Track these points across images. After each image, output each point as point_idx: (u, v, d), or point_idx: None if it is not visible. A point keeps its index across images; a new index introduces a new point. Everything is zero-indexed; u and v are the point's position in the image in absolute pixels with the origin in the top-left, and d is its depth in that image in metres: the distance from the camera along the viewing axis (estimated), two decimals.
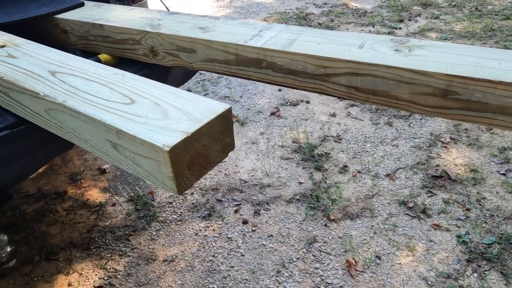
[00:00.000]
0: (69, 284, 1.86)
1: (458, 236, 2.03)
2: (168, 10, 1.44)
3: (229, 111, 0.72)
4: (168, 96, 0.77)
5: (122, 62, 1.29)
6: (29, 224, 2.18)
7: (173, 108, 0.73)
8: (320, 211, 2.22)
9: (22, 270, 1.94)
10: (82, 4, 1.40)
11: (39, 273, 1.92)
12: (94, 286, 1.86)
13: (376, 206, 2.25)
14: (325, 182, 2.42)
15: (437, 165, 2.50)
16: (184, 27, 1.14)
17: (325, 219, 2.17)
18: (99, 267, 1.94)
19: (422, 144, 2.71)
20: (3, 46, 1.06)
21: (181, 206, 2.29)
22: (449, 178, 2.40)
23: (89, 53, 1.31)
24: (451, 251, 1.96)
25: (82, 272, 1.92)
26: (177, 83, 1.54)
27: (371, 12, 5.02)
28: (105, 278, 1.89)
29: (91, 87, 0.82)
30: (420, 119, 2.99)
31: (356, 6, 5.31)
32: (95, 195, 2.38)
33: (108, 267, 1.94)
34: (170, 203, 2.31)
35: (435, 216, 2.16)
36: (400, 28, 4.50)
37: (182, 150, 0.64)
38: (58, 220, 2.21)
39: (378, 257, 1.95)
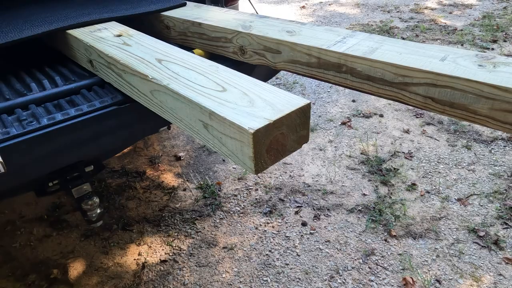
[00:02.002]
0: (139, 254, 2.07)
1: None
2: (257, 13, 1.56)
3: (308, 106, 0.80)
4: (255, 88, 0.87)
5: (212, 58, 1.43)
6: (111, 196, 2.45)
7: (259, 98, 0.82)
8: (381, 225, 2.19)
9: (102, 235, 2.19)
10: (184, 4, 1.58)
11: (115, 240, 2.15)
12: (160, 259, 2.04)
13: (443, 229, 2.16)
14: (390, 197, 2.38)
15: None
16: (273, 29, 1.24)
17: (385, 234, 2.14)
18: (166, 243, 2.12)
19: (503, 173, 2.53)
20: (119, 35, 1.25)
21: (245, 200, 2.40)
22: None
23: (185, 48, 1.47)
24: None
25: (151, 245, 2.12)
26: None
27: (461, 30, 4.77)
28: (170, 254, 2.06)
29: (190, 75, 0.95)
30: (504, 146, 2.79)
31: (445, 23, 5.07)
32: (169, 178, 2.60)
33: (174, 245, 2.11)
34: (235, 195, 2.44)
35: (509, 250, 2.02)
36: (492, 49, 4.21)
37: (264, 134, 0.73)
38: (135, 196, 2.45)
39: (438, 281, 1.88)
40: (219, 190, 2.48)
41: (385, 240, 2.11)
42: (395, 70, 0.96)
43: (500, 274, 1.90)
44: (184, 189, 2.50)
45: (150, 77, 0.95)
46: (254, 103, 0.80)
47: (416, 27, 4.98)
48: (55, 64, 1.42)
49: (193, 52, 1.43)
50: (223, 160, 2.77)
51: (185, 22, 1.43)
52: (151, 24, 1.59)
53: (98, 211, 1.50)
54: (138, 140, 2.11)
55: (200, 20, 1.38)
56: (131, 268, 2.00)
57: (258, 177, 2.59)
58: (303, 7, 6.08)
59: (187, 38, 1.46)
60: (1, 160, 0.91)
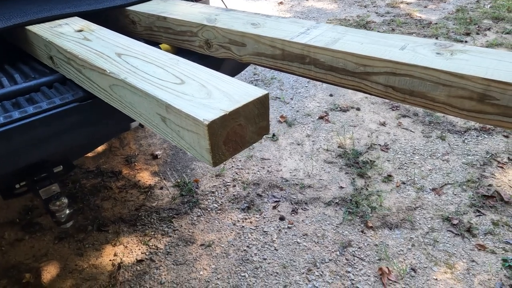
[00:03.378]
0: (115, 255, 2.03)
1: (504, 260, 1.92)
2: (226, 7, 1.55)
3: (266, 96, 0.79)
4: (214, 79, 0.86)
5: (179, 53, 1.41)
6: (86, 197, 2.40)
7: (217, 90, 0.81)
8: (358, 217, 2.21)
9: (76, 237, 2.15)
10: None
11: (90, 241, 2.11)
12: (136, 259, 2.01)
13: (418, 219, 2.19)
14: (367, 189, 2.40)
15: (490, 185, 2.38)
16: (238, 22, 1.22)
17: (362, 225, 2.16)
18: (142, 242, 2.09)
19: (476, 162, 2.59)
20: (81, 30, 1.22)
21: (223, 197, 2.39)
22: (501, 200, 2.28)
23: (152, 43, 1.45)
24: (495, 274, 1.87)
25: (127, 246, 2.08)
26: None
27: (435, 24, 4.85)
28: (147, 253, 2.04)
29: (149, 68, 0.93)
30: (477, 136, 2.86)
31: (420, 17, 5.15)
32: (145, 177, 2.56)
33: (151, 244, 2.08)
34: (213, 192, 2.43)
35: (481, 237, 2.06)
36: (465, 42, 4.30)
37: (220, 126, 0.72)
38: (111, 196, 2.41)
39: (414, 270, 1.91)
40: (196, 188, 2.46)
41: (362, 231, 2.13)
42: (356, 60, 0.96)
43: (473, 261, 1.94)
44: (161, 188, 2.47)
45: (108, 71, 0.93)
46: (211, 95, 0.79)
47: (392, 21, 5.03)
48: (16, 62, 1.38)
49: (160, 47, 1.41)
50: None
51: (150, 17, 1.40)
52: (116, 19, 1.55)
53: (67, 211, 1.47)
54: (109, 138, 2.07)
55: (165, 14, 1.36)
56: (106, 269, 1.96)
57: (236, 173, 2.58)
58: (281, 3, 6.08)
59: (153, 33, 1.44)
60: None
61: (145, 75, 0.89)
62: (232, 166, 2.65)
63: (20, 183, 1.43)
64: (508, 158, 2.60)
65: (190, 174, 2.58)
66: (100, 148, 2.84)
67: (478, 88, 0.81)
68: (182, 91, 0.81)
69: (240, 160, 2.70)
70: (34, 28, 1.25)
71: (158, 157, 2.76)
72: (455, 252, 1.99)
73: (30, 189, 1.46)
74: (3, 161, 1.03)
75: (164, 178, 2.56)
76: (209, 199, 2.38)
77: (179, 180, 2.52)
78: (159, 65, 0.94)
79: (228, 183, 2.50)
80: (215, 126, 0.71)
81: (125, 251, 2.05)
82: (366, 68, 0.96)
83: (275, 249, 2.05)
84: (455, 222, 2.15)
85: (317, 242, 2.08)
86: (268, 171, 2.59)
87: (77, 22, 1.31)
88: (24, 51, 1.44)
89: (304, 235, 2.12)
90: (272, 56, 1.13)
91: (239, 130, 0.77)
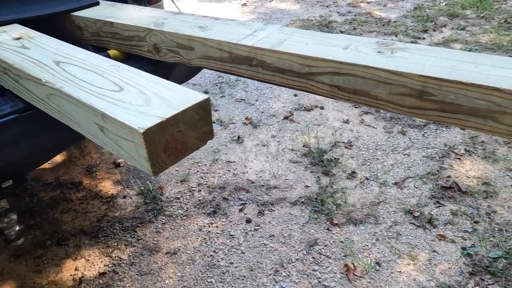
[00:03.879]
0: (76, 269, 1.96)
1: (463, 248, 1.99)
2: (179, 10, 1.52)
3: (207, 101, 0.77)
4: (154, 86, 0.83)
5: (130, 58, 1.37)
6: (44, 210, 2.30)
7: (156, 96, 0.79)
8: (324, 215, 2.23)
9: (34, 253, 2.05)
10: (97, 3, 1.50)
11: (49, 257, 2.02)
12: (99, 272, 1.94)
13: (381, 213, 2.23)
14: (332, 187, 2.43)
15: (448, 176, 2.46)
16: (185, 26, 1.20)
17: (328, 223, 2.18)
18: (105, 254, 2.03)
19: (435, 155, 2.67)
20: (19, 38, 1.16)
21: (188, 202, 2.35)
22: (459, 190, 2.36)
23: (101, 49, 1.40)
24: (455, 262, 1.93)
25: (89, 259, 2.01)
26: (179, 81, 1.61)
27: (395, 22, 4.99)
28: (110, 265, 1.97)
29: (87, 76, 0.89)
30: (436, 129, 2.95)
31: (380, 15, 5.28)
32: (108, 187, 2.49)
33: (114, 255, 2.02)
34: (178, 198, 2.39)
35: (441, 227, 2.13)
36: (423, 38, 4.44)
37: (157, 133, 0.70)
38: (71, 208, 2.32)
39: (378, 264, 1.95)
40: (161, 195, 2.41)
41: (328, 229, 2.15)
42: (301, 60, 0.97)
43: (434, 251, 1.99)
44: (124, 197, 2.41)
45: (44, 80, 0.89)
46: (150, 102, 0.77)
47: (354, 20, 5.14)
48: None
49: (109, 54, 1.37)
50: None
51: (97, 22, 1.36)
52: (62, 25, 1.49)
53: (17, 228, 1.40)
54: (62, 148, 1.98)
55: (112, 19, 1.32)
56: (67, 284, 1.88)
57: (201, 177, 2.55)
58: (244, 4, 6.08)
59: (101, 38, 1.39)
60: None
61: (83, 83, 0.86)
62: (198, 171, 2.61)
63: None
64: (465, 149, 2.70)
65: (154, 181, 2.53)
66: (59, 159, 2.73)
67: (416, 85, 0.83)
68: (119, 99, 0.79)
69: (205, 164, 2.67)
70: None
71: (121, 165, 2.68)
72: (417, 243, 2.04)
73: None
74: None
75: (127, 187, 2.49)
76: (174, 205, 2.34)
77: (142, 188, 2.46)
78: (99, 72, 0.91)
79: (193, 188, 2.46)
80: (151, 133, 0.69)
81: (87, 264, 1.98)
82: (311, 68, 0.96)
83: (242, 252, 2.04)
84: (417, 214, 2.20)
85: (284, 243, 2.08)
86: (234, 174, 2.57)
87: (17, 30, 1.24)
88: None
89: (270, 236, 2.12)
90: (220, 59, 1.11)
91: (179, 136, 0.75)
